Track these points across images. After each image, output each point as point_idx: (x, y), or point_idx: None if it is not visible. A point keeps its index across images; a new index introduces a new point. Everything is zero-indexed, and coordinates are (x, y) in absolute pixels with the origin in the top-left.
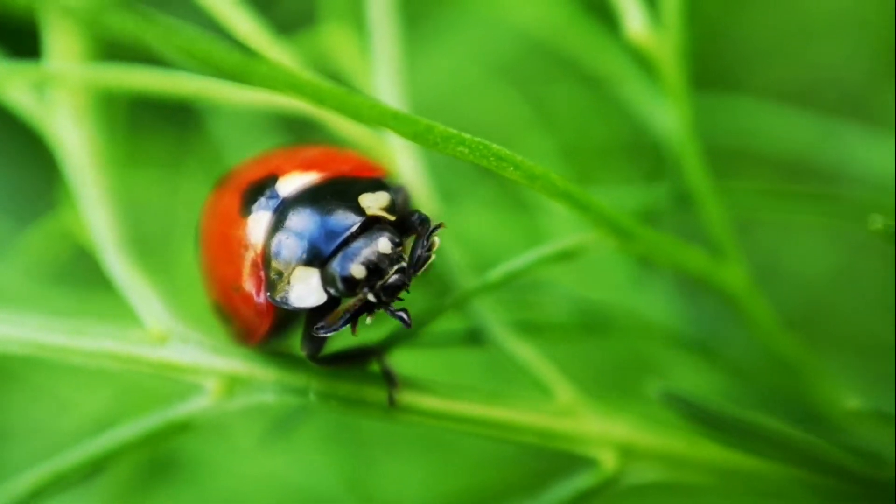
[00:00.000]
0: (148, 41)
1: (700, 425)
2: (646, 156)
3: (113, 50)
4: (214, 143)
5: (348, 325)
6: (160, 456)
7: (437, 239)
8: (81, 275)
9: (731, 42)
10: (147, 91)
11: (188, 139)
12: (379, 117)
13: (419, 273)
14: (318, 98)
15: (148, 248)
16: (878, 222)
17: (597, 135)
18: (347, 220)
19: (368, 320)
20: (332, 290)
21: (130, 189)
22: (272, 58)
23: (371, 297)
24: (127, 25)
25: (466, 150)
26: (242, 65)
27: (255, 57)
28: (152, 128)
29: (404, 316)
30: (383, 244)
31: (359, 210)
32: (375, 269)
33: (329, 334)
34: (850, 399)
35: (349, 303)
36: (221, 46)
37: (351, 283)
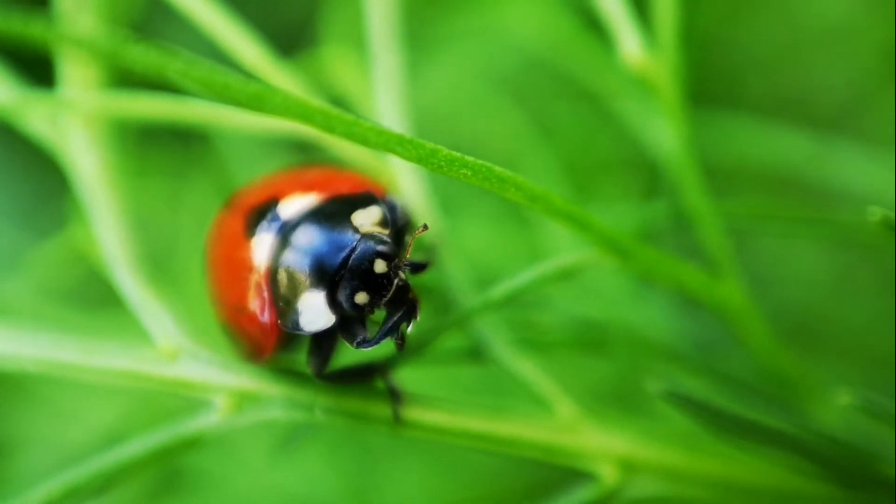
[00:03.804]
0: (168, 75)
1: (700, 422)
2: (646, 171)
3: (123, 73)
4: (219, 158)
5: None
6: (166, 468)
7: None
8: (89, 293)
9: (723, 54)
10: (158, 118)
11: (192, 152)
12: (385, 143)
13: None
14: (327, 126)
15: (154, 262)
16: (876, 214)
17: (597, 149)
18: (343, 241)
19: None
20: (339, 312)
21: (135, 203)
22: (283, 87)
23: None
24: (149, 59)
25: (469, 173)
26: (258, 95)
27: (269, 87)
28: (156, 141)
29: (400, 342)
30: (379, 266)
31: (353, 229)
32: (377, 290)
33: (370, 348)
34: (841, 395)
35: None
36: (237, 78)
37: (358, 308)
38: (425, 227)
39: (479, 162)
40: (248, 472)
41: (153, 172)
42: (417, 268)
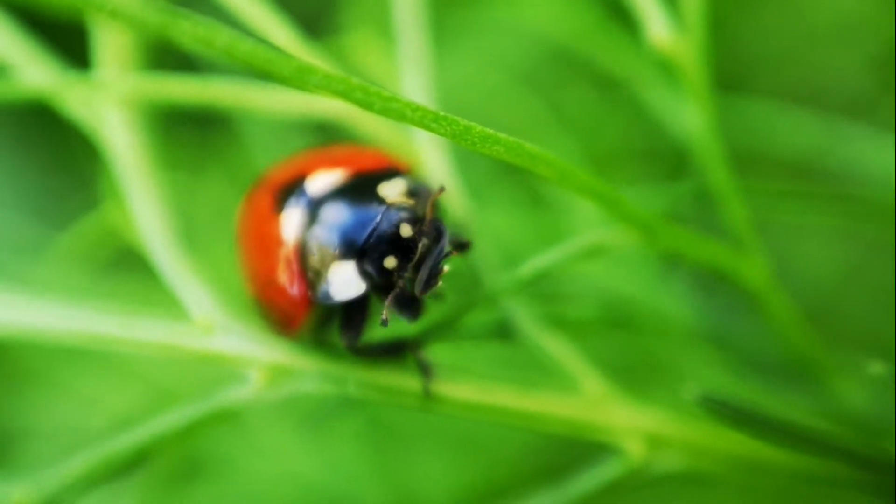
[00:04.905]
0: (213, 50)
1: (734, 426)
2: (661, 159)
3: (154, 54)
4: (237, 144)
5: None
6: (184, 454)
7: (437, 204)
8: (111, 276)
9: (733, 50)
10: (188, 100)
11: (210, 139)
12: (421, 119)
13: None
14: (366, 101)
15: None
16: None
17: (613, 138)
18: (371, 212)
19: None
20: (370, 281)
21: (159, 190)
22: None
23: (410, 277)
24: (197, 33)
25: (502, 149)
26: (301, 70)
27: (311, 64)
28: (175, 130)
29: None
30: (405, 230)
31: (380, 199)
32: (405, 254)
33: (412, 316)
34: (873, 365)
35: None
36: (281, 55)
37: (386, 273)
38: (442, 189)
39: (512, 139)
40: (269, 459)
41: (172, 162)
42: (461, 246)
